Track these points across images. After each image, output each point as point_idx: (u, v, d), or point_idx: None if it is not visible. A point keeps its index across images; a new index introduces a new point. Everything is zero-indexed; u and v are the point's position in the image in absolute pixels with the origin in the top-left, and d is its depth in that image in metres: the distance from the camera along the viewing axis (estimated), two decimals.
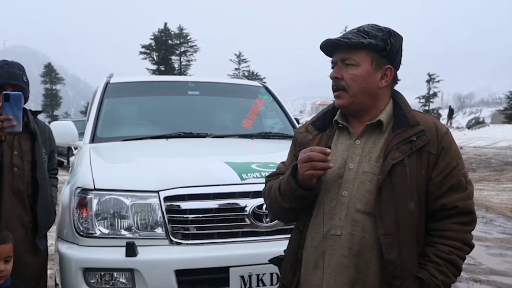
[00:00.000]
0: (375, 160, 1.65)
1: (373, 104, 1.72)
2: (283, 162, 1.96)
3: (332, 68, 1.76)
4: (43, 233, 2.82)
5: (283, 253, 1.90)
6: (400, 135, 1.65)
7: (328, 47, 1.74)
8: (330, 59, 1.78)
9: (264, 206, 2.60)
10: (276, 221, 2.62)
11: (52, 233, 3.04)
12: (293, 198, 1.69)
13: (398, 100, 1.75)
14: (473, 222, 1.67)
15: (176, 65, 40.27)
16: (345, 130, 1.76)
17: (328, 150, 1.58)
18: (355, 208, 1.64)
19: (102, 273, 2.48)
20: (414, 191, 1.62)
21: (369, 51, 1.67)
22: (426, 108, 38.47)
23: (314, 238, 1.71)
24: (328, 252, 1.66)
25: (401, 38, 1.74)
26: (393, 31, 1.71)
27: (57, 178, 3.16)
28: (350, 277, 1.63)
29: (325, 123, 1.82)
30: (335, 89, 1.73)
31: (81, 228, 2.57)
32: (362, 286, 1.62)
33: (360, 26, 1.73)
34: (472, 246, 1.67)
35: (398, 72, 1.76)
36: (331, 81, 1.76)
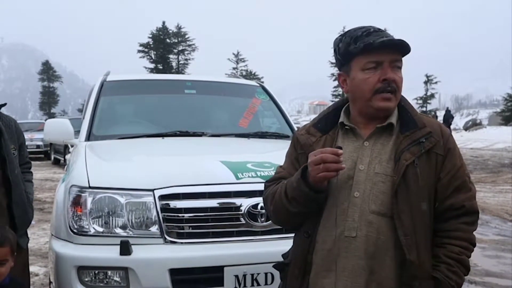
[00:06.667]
0: (386, 161, 1.65)
1: None
2: (281, 166, 1.90)
3: (371, 68, 1.66)
4: (23, 231, 2.74)
5: (282, 259, 1.87)
6: (409, 137, 1.66)
7: (385, 46, 1.62)
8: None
9: (259, 206, 2.60)
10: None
11: (46, 231, 3.02)
12: (304, 201, 1.65)
13: (403, 103, 1.76)
14: (476, 222, 1.70)
15: (174, 64, 40.28)
16: (351, 132, 1.75)
17: (340, 151, 1.55)
18: (369, 209, 1.63)
19: (96, 272, 2.47)
20: (426, 191, 1.64)
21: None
22: (424, 109, 38.45)
23: (326, 241, 1.67)
24: (343, 254, 1.64)
25: None
26: None
27: (31, 172, 3.06)
28: (366, 279, 1.62)
29: (327, 125, 1.80)
30: (389, 90, 1.65)
31: (76, 226, 2.57)
32: None
33: (383, 30, 1.69)
34: (475, 245, 1.70)
35: None
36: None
